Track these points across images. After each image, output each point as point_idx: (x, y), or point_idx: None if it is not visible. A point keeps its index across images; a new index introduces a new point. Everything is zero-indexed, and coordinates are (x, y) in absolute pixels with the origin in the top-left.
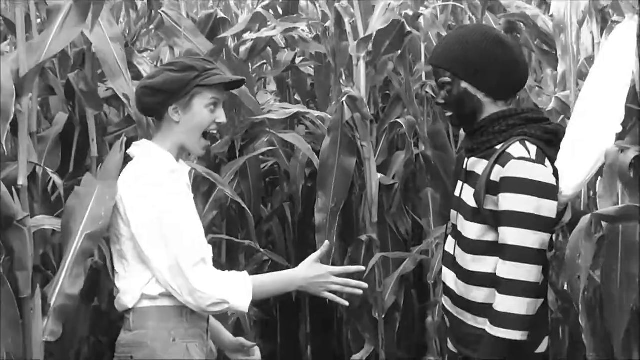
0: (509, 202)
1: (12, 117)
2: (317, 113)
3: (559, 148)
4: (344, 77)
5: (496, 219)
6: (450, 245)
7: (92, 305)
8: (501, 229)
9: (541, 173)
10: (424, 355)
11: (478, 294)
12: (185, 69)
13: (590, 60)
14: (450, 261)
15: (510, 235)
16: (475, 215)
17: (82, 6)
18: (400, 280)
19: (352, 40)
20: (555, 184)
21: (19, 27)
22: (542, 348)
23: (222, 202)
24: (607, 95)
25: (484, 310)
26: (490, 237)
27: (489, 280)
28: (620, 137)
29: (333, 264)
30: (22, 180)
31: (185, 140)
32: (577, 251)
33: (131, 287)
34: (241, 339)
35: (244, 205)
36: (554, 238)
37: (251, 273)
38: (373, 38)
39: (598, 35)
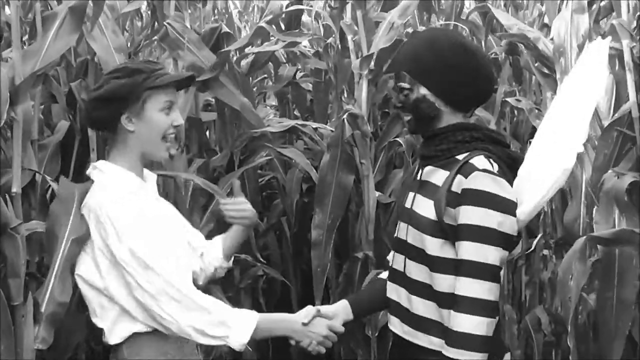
0: (470, 215)
1: (2, 123)
2: (315, 125)
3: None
4: (345, 94)
5: (454, 233)
6: (399, 261)
7: (86, 314)
8: (460, 243)
9: (504, 188)
10: None
11: (419, 305)
12: (131, 73)
13: None
14: (399, 277)
15: (470, 250)
16: (435, 229)
17: (78, 13)
18: None
19: (355, 58)
20: (514, 200)
21: (14, 34)
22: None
23: (219, 214)
24: (571, 115)
25: (440, 329)
26: (450, 253)
27: (430, 292)
28: (616, 163)
29: (328, 280)
30: (15, 188)
31: (145, 149)
32: (570, 273)
33: (115, 327)
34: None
35: None
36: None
37: (245, 288)
38: (375, 56)
39: None
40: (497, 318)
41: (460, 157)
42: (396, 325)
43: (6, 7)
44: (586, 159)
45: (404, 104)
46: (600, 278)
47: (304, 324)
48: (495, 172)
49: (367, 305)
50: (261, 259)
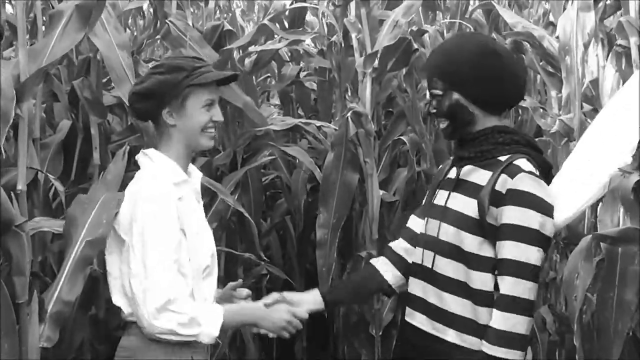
0: (514, 215)
1: (11, 121)
2: (319, 123)
3: (549, 182)
4: (349, 93)
5: (494, 232)
6: (427, 257)
7: (90, 314)
8: (502, 243)
9: (546, 191)
10: None
11: (471, 310)
12: (173, 69)
13: (595, 83)
14: (426, 274)
15: (513, 250)
16: (476, 226)
17: (85, 11)
18: (398, 297)
19: (359, 56)
20: (552, 204)
21: (20, 31)
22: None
23: (222, 214)
24: (619, 126)
25: (474, 327)
26: (488, 252)
27: (490, 298)
28: None
29: (331, 279)
30: (21, 186)
31: (187, 141)
32: (575, 272)
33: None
34: (230, 284)
35: (246, 214)
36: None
37: (249, 286)
38: (379, 54)
39: (603, 59)
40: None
41: (502, 158)
42: (422, 322)
43: (7, 5)
44: None
45: (438, 110)
46: (602, 278)
47: (266, 305)
48: (538, 175)
49: (347, 295)
50: (264, 258)
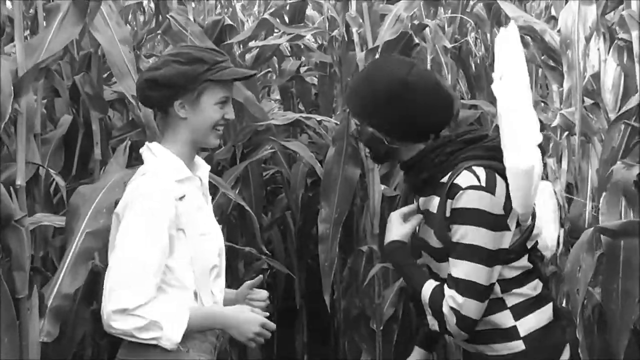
0: (459, 233)
1: (7, 117)
2: (319, 117)
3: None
4: None
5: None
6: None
7: (91, 309)
8: (450, 260)
9: (489, 203)
10: None
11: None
12: (193, 61)
13: (596, 77)
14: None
15: (457, 269)
16: (444, 254)
17: (81, 6)
18: (400, 292)
19: (360, 50)
20: (503, 213)
21: (17, 26)
22: (566, 355)
23: (223, 208)
24: (515, 109)
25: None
26: None
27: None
28: (623, 156)
29: (334, 275)
30: (20, 181)
31: (195, 137)
32: (577, 265)
33: None
34: (247, 283)
35: (248, 208)
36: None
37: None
38: (381, 49)
39: (604, 53)
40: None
41: (444, 179)
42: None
43: (7, 1)
44: (592, 153)
45: (360, 139)
46: (605, 270)
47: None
48: (482, 183)
49: None
50: (266, 252)
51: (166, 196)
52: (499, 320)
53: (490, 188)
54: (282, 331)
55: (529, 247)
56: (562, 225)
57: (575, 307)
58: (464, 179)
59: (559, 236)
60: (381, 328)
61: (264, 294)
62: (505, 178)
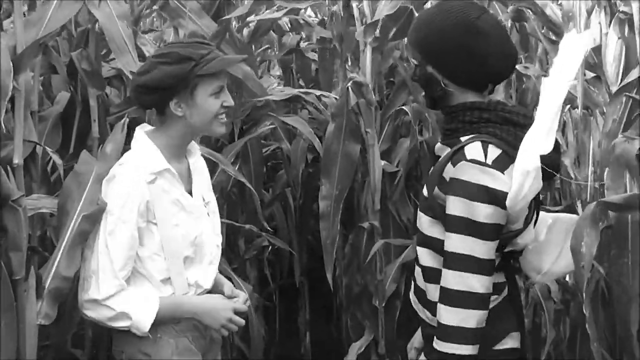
0: (454, 206)
1: (10, 94)
2: (318, 92)
3: None
4: (349, 63)
5: (444, 220)
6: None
7: None
8: (446, 235)
9: (488, 178)
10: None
11: (432, 292)
12: (179, 60)
13: (597, 50)
14: (416, 257)
15: (451, 242)
16: (427, 206)
17: None
18: (402, 268)
19: (360, 25)
20: (506, 190)
21: (17, 1)
22: (507, 344)
23: (223, 185)
24: (544, 111)
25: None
26: (436, 232)
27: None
28: (625, 129)
29: (336, 252)
30: (17, 159)
31: (195, 129)
32: (581, 240)
33: None
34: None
35: (248, 184)
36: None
37: (251, 259)
38: (380, 24)
39: (606, 26)
40: (487, 310)
41: (463, 138)
42: (420, 309)
43: None
44: (594, 126)
45: (417, 80)
46: (613, 245)
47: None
48: (489, 161)
49: None
50: (268, 229)
51: (137, 189)
52: (430, 291)
53: (495, 166)
54: (284, 308)
55: (505, 249)
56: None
57: (581, 282)
58: (473, 150)
59: None
60: (383, 305)
61: (242, 296)
62: None
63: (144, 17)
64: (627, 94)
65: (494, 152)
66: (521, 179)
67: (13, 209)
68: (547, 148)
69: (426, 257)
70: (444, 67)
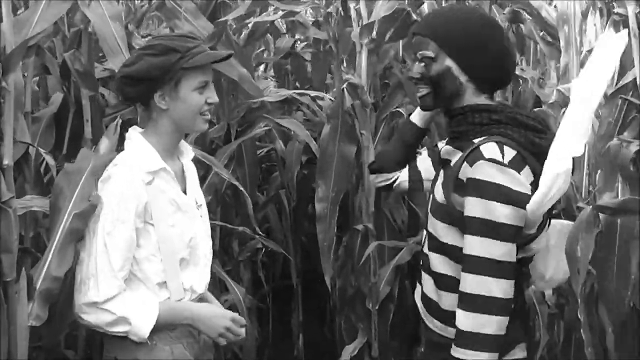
0: (473, 207)
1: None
2: (313, 94)
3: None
4: (344, 64)
5: (462, 223)
6: (425, 246)
7: None
8: (465, 237)
9: (508, 178)
10: (417, 346)
11: (446, 300)
12: (165, 51)
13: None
14: (427, 269)
15: (474, 245)
16: (443, 212)
17: None
18: (396, 270)
19: (357, 27)
20: (525, 191)
21: (4, 1)
22: (516, 355)
23: (217, 187)
24: (577, 113)
25: (450, 317)
26: (453, 239)
27: (456, 285)
28: (620, 131)
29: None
30: (7, 160)
31: (180, 125)
32: (576, 244)
33: None
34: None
35: (241, 187)
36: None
37: (245, 261)
38: (377, 25)
39: (601, 28)
40: (507, 316)
41: (475, 140)
42: (428, 318)
43: None
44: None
45: (424, 75)
46: (602, 248)
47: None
48: (505, 161)
49: None
50: (260, 232)
51: (133, 189)
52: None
53: (512, 167)
54: (278, 310)
55: (518, 255)
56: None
57: (576, 287)
58: (489, 149)
59: None
60: (377, 307)
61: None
62: (534, 173)
63: (145, 19)
64: (622, 96)
65: (509, 152)
66: (550, 182)
67: (3, 211)
68: (579, 151)
69: (440, 264)
70: (465, 60)
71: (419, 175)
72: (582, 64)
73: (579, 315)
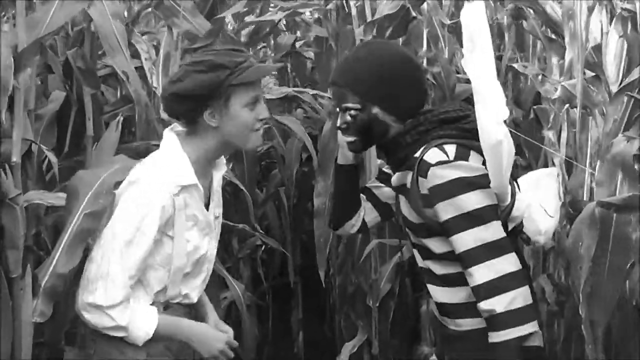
0: (443, 212)
1: (10, 90)
2: (312, 91)
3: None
4: None
5: (444, 230)
6: (417, 257)
7: None
8: (451, 239)
9: (461, 170)
10: (417, 344)
11: (457, 295)
12: (214, 68)
13: (597, 49)
14: (426, 275)
15: (461, 242)
16: (424, 230)
17: None
18: (396, 268)
19: (357, 25)
20: (481, 173)
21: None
22: (534, 342)
23: None
24: (483, 85)
25: (462, 310)
26: (448, 246)
27: (463, 278)
28: (625, 129)
29: (329, 251)
30: (15, 157)
31: (229, 142)
32: (579, 240)
33: None
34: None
35: (240, 185)
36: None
37: (244, 258)
38: (377, 23)
39: (607, 24)
40: (528, 284)
41: (417, 154)
42: (443, 319)
43: None
44: (592, 124)
45: (350, 126)
46: (597, 244)
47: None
48: (451, 157)
49: None
50: (259, 229)
51: (161, 201)
52: (468, 293)
53: (459, 159)
54: (277, 308)
55: (509, 228)
56: (562, 198)
57: (578, 284)
58: (433, 155)
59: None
60: (377, 305)
61: (230, 331)
62: (482, 155)
63: (142, 17)
64: (628, 93)
65: (450, 148)
66: (495, 151)
67: (10, 207)
68: (505, 113)
69: (441, 267)
70: (389, 104)
71: (384, 206)
72: (586, 60)
73: (580, 312)
